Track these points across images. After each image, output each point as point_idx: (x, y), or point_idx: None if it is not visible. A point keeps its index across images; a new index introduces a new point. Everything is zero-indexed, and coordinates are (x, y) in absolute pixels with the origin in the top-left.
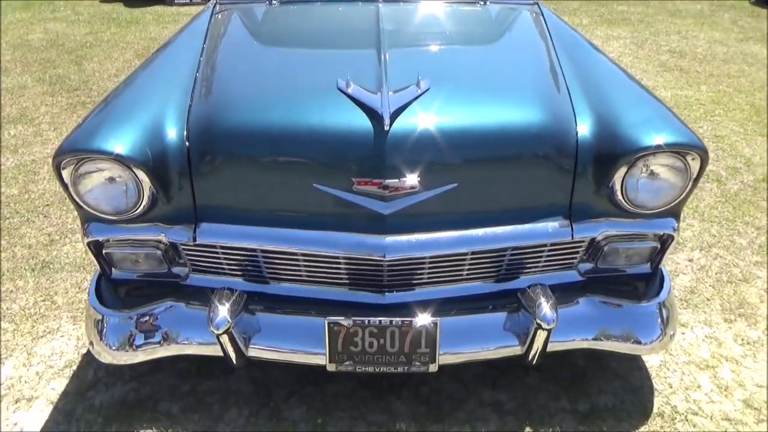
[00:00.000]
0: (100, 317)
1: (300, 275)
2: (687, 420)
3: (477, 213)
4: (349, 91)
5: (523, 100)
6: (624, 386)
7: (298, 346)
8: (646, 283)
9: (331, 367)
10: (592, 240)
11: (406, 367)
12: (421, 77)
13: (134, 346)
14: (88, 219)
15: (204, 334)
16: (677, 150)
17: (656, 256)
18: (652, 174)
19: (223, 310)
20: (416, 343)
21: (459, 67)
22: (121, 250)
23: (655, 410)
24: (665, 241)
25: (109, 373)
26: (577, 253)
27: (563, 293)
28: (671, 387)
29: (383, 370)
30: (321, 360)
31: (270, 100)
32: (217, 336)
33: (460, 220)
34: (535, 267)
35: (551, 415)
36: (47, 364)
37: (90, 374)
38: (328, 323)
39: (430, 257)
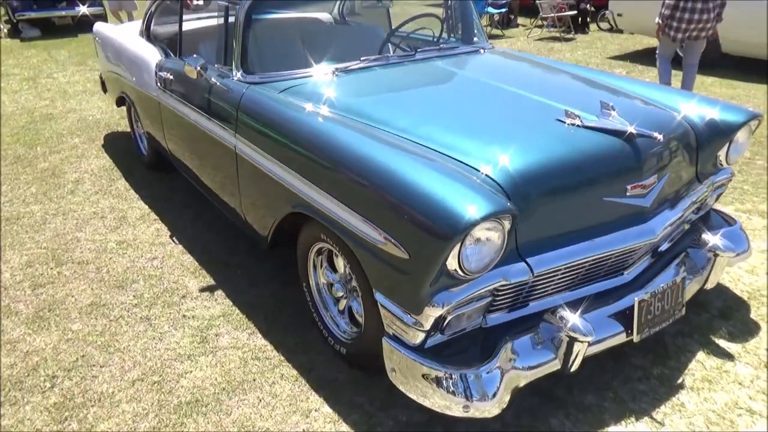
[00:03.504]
0: (469, 379)
1: (575, 281)
2: (756, 298)
3: (671, 191)
4: (585, 122)
5: (660, 109)
6: (712, 293)
7: (607, 333)
8: (714, 216)
9: (637, 338)
10: None
11: (672, 319)
12: (604, 102)
13: (509, 386)
14: (432, 293)
15: (548, 353)
16: (753, 120)
17: (718, 197)
18: (737, 140)
19: (577, 319)
20: (677, 296)
21: (587, 91)
22: (461, 311)
23: (743, 296)
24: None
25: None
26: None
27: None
28: (730, 282)
29: (661, 327)
30: (623, 338)
31: (543, 143)
32: (577, 344)
33: (667, 199)
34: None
35: (709, 323)
36: None
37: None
38: (638, 301)
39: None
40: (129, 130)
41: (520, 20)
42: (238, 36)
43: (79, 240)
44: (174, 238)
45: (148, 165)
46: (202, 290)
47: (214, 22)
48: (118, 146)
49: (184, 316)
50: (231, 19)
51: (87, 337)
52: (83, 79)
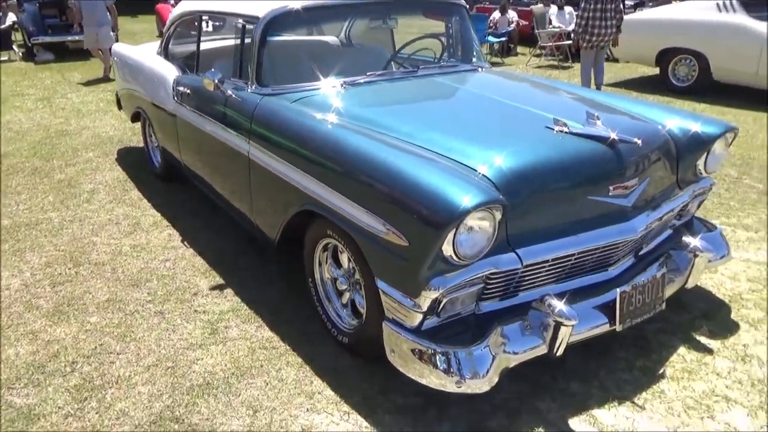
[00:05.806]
0: (461, 357)
1: (562, 274)
2: (737, 301)
3: (653, 194)
4: (572, 129)
5: (643, 121)
6: (695, 296)
7: (591, 323)
8: (697, 223)
9: (619, 328)
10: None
11: (653, 312)
12: (590, 113)
13: (498, 367)
14: (429, 277)
15: (536, 339)
16: (729, 132)
17: (699, 204)
18: (714, 150)
19: (563, 306)
20: (657, 291)
21: (575, 104)
22: (455, 295)
23: (725, 299)
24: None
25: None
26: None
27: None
28: (713, 287)
29: (642, 318)
30: (606, 327)
31: (533, 146)
32: (563, 328)
33: (648, 201)
34: (663, 225)
35: (691, 322)
36: None
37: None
38: (620, 293)
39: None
40: (142, 144)
41: (520, 49)
42: (253, 52)
43: (95, 244)
44: (185, 242)
45: (160, 176)
46: (212, 288)
47: (226, 42)
48: (130, 159)
49: (195, 311)
50: (247, 40)
51: (104, 328)
52: (96, 99)
